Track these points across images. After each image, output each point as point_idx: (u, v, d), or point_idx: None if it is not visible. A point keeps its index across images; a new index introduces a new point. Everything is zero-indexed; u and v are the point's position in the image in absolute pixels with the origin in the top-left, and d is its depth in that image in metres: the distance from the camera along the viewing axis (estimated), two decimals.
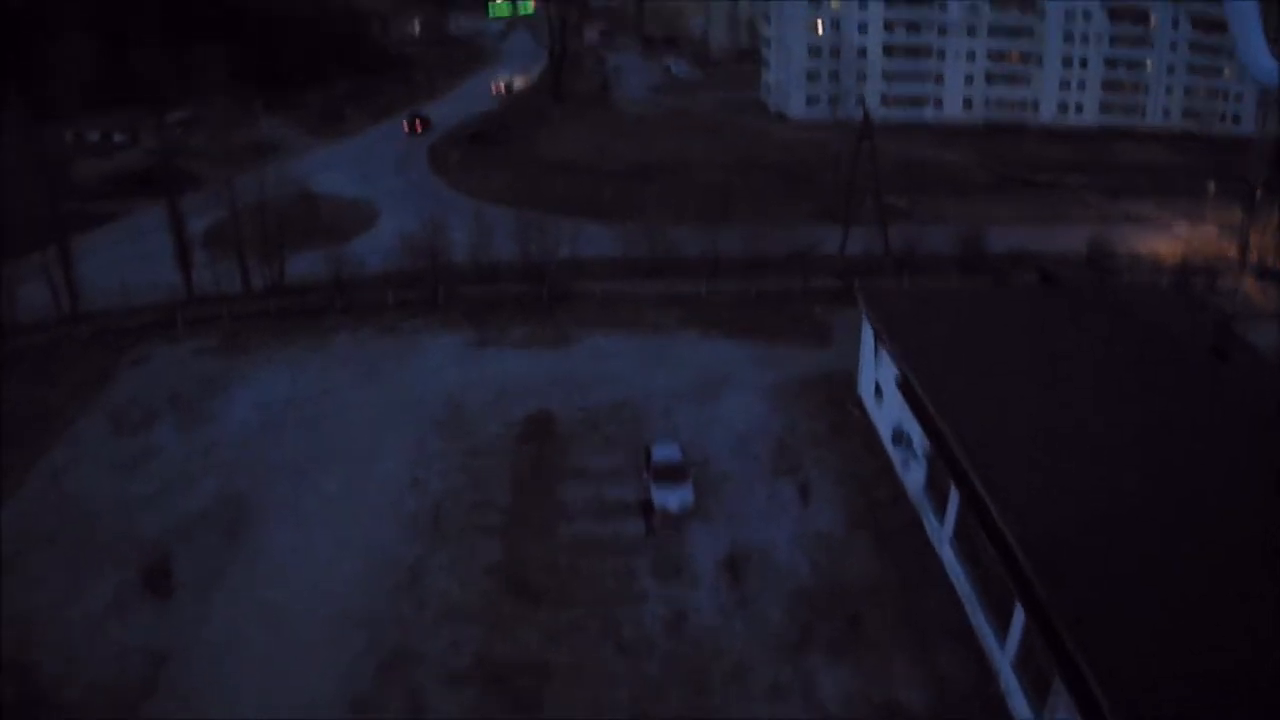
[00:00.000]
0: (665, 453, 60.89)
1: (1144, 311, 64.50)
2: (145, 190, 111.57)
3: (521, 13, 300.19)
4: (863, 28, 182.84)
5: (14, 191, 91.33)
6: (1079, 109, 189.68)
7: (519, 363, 79.57)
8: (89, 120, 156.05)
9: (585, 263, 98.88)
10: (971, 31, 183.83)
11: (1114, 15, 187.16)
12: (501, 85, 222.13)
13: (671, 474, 59.11)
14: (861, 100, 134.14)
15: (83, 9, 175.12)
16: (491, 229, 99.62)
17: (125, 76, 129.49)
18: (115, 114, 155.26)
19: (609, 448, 65.62)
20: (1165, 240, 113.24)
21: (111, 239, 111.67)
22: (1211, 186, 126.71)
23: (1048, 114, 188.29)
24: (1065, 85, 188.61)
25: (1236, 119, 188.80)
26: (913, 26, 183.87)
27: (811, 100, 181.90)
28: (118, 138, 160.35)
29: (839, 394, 72.42)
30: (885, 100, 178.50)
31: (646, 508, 57.00)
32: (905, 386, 58.14)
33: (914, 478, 57.80)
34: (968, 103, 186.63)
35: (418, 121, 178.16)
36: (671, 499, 57.64)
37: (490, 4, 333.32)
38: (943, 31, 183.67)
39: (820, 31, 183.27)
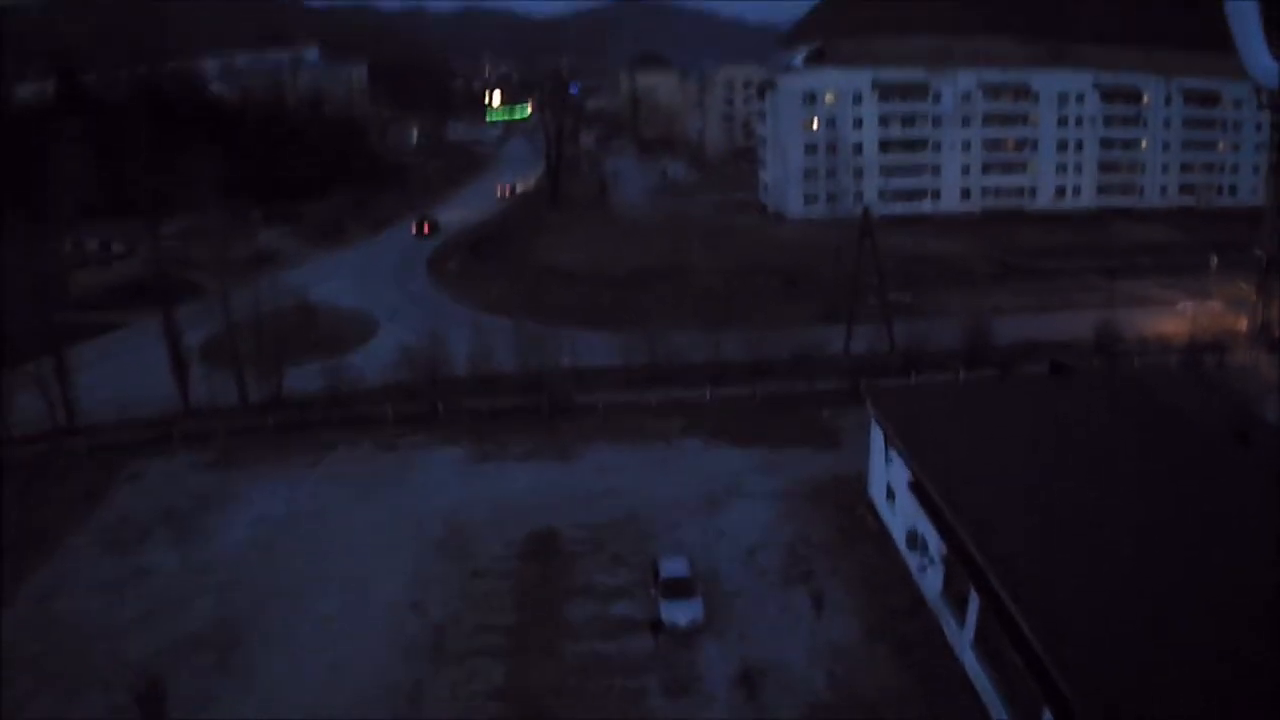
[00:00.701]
0: (673, 568, 59.01)
1: (1160, 397, 62.97)
2: (143, 301, 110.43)
3: (518, 117, 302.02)
4: (858, 123, 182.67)
5: (11, 302, 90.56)
6: (1076, 192, 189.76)
7: (521, 478, 77.76)
8: (89, 229, 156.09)
9: (586, 372, 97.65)
10: (966, 122, 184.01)
11: (1107, 96, 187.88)
12: (507, 189, 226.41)
13: (680, 589, 57.17)
14: (860, 196, 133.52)
15: (83, 120, 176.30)
16: (491, 340, 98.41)
17: (124, 187, 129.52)
18: (115, 224, 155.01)
19: (615, 564, 63.57)
20: (1171, 319, 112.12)
21: (109, 350, 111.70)
22: (1214, 260, 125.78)
23: (1045, 199, 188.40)
24: (1062, 169, 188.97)
25: (1233, 190, 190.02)
26: (908, 120, 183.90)
27: (809, 199, 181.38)
28: (116, 247, 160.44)
29: (849, 498, 70.54)
30: (883, 195, 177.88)
31: (655, 625, 55.06)
32: (918, 488, 56.32)
33: (931, 582, 55.68)
34: (965, 193, 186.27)
35: (425, 224, 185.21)
36: (681, 615, 55.61)
37: (487, 110, 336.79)
38: (938, 123, 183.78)
39: (816, 129, 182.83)
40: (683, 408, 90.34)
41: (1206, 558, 44.90)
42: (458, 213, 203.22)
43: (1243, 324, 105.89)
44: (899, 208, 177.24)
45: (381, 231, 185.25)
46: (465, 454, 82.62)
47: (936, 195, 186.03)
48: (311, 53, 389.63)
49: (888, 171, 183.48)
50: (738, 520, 68.63)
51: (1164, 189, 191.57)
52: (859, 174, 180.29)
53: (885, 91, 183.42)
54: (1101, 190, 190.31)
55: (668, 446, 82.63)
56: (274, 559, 66.15)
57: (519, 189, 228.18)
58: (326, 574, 63.71)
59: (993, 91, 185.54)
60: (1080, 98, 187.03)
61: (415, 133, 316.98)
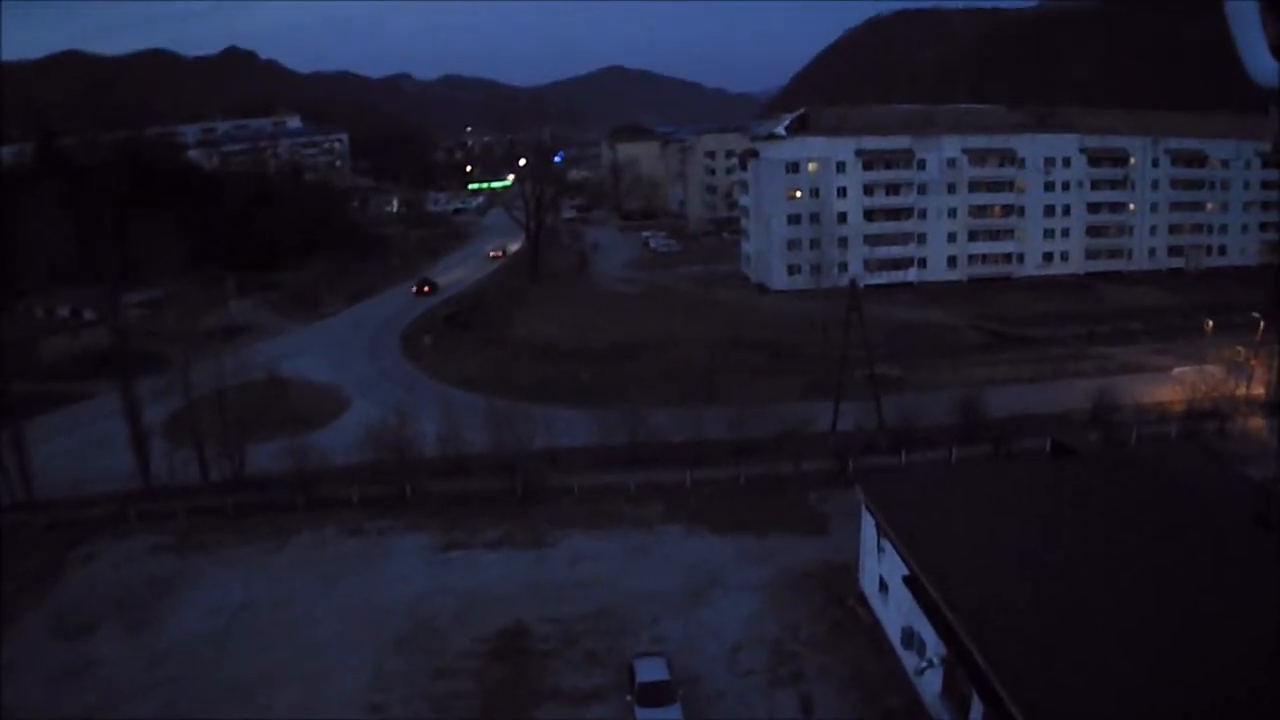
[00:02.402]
0: (650, 670, 54.97)
1: (1171, 478, 58.98)
2: (111, 371, 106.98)
3: (500, 187, 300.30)
4: (842, 192, 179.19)
5: None
6: (1064, 257, 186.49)
7: (490, 568, 73.81)
8: (62, 296, 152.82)
9: (562, 453, 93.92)
10: (952, 188, 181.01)
11: (1093, 159, 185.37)
12: (500, 252, 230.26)
13: (658, 694, 53.25)
14: (844, 266, 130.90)
15: (59, 184, 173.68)
16: (464, 418, 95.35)
17: (97, 252, 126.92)
18: (89, 290, 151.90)
19: (589, 664, 59.57)
20: (1167, 386, 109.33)
21: (72, 421, 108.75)
22: (1209, 324, 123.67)
23: (1032, 265, 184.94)
24: (1049, 234, 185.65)
25: (1223, 251, 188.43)
26: (892, 188, 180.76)
27: (793, 270, 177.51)
28: (87, 315, 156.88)
29: (839, 589, 66.55)
30: (868, 264, 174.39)
31: None
32: (914, 584, 52.38)
33: (929, 684, 51.66)
34: (951, 260, 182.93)
35: (426, 286, 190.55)
36: None
37: (469, 180, 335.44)
38: (923, 190, 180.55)
39: (799, 198, 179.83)
40: (663, 491, 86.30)
41: (1230, 659, 41.11)
42: (444, 277, 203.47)
43: (1241, 389, 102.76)
44: (884, 277, 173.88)
45: (357, 303, 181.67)
46: (433, 541, 78.68)
47: (922, 263, 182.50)
48: (293, 121, 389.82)
49: (872, 240, 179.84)
50: (721, 614, 64.59)
51: (1153, 251, 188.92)
52: (843, 244, 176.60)
53: (869, 160, 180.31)
54: (1089, 254, 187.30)
55: (647, 533, 78.51)
56: (228, 652, 62.71)
57: (510, 250, 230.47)
58: (282, 670, 60.16)
59: (978, 157, 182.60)
60: (1066, 162, 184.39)
61: (395, 202, 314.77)
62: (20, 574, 73.16)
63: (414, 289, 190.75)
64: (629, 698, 53.97)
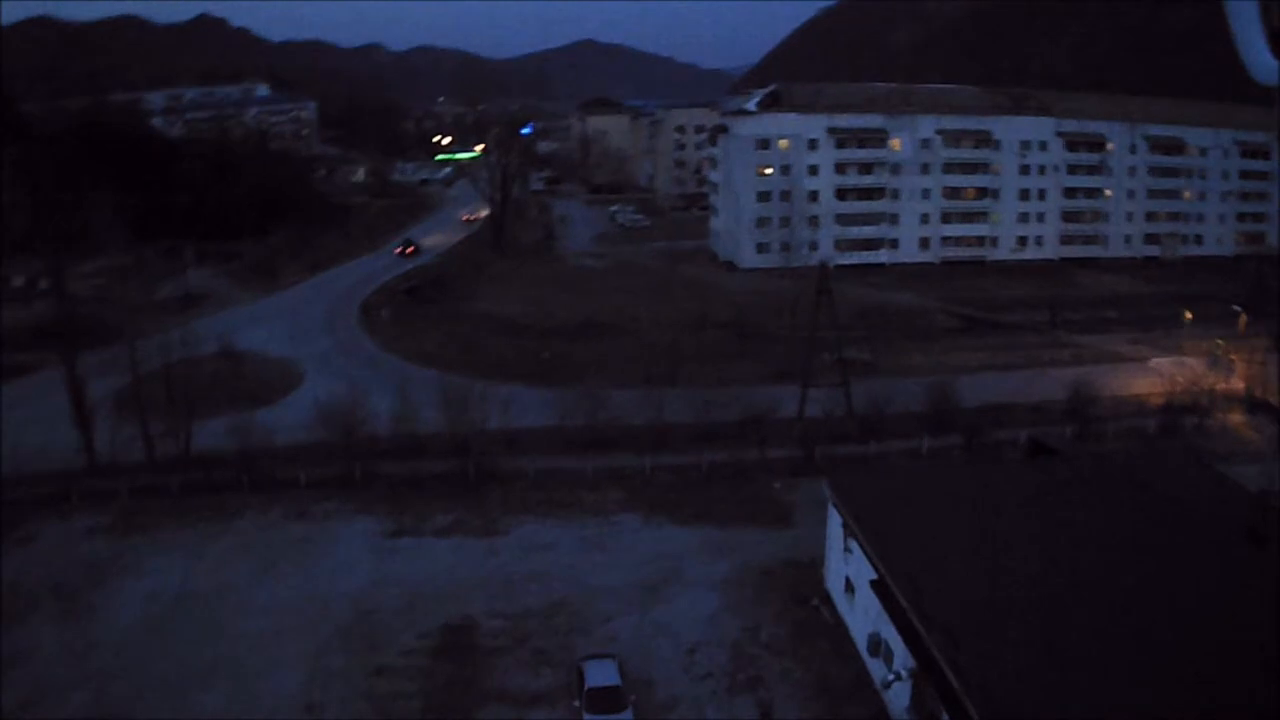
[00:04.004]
0: (600, 674, 51.95)
1: (1157, 482, 56.23)
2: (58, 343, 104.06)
3: (468, 158, 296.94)
4: (813, 170, 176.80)
5: None
6: (1039, 242, 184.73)
7: (439, 556, 70.53)
8: (18, 265, 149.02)
9: (519, 434, 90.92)
10: (925, 169, 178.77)
11: (1070, 144, 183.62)
12: (474, 216, 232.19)
13: (607, 700, 50.24)
14: (815, 246, 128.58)
15: (16, 150, 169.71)
16: (419, 395, 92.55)
17: (48, 221, 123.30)
18: (43, 260, 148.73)
19: (537, 663, 56.53)
20: (1144, 378, 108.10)
21: (17, 395, 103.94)
22: (1188, 315, 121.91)
23: (1006, 249, 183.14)
24: (1024, 218, 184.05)
25: (1199, 240, 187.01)
26: (865, 167, 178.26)
27: (762, 248, 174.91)
28: (42, 285, 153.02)
29: (803, 587, 63.59)
30: (839, 244, 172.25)
31: None
32: (882, 589, 49.40)
33: (897, 696, 48.66)
34: (924, 242, 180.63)
35: (409, 248, 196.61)
36: None
37: (438, 151, 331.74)
38: (896, 171, 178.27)
39: (769, 175, 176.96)
40: (621, 477, 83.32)
41: (1215, 677, 38.87)
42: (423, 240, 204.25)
43: (1221, 383, 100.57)
44: (855, 257, 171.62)
45: (317, 273, 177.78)
46: (381, 526, 75.36)
47: (895, 244, 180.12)
48: (261, 89, 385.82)
49: (844, 220, 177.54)
50: (678, 612, 61.61)
51: (1129, 238, 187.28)
52: (814, 222, 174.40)
53: (842, 138, 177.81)
54: (1064, 240, 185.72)
55: (603, 522, 75.28)
56: (162, 644, 59.41)
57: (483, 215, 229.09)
58: (217, 664, 57.04)
59: (953, 138, 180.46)
60: (1043, 145, 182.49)
61: (361, 172, 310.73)
62: None
63: (397, 249, 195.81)
64: (577, 703, 51.07)
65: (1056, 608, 43.90)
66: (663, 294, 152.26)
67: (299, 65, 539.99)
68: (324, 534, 74.48)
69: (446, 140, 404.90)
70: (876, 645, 51.05)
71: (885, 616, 48.79)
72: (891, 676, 48.61)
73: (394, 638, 59.61)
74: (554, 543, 71.99)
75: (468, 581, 66.17)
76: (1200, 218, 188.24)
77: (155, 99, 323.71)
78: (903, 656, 47.16)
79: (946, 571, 47.86)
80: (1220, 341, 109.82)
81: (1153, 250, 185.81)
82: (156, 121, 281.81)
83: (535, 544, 71.89)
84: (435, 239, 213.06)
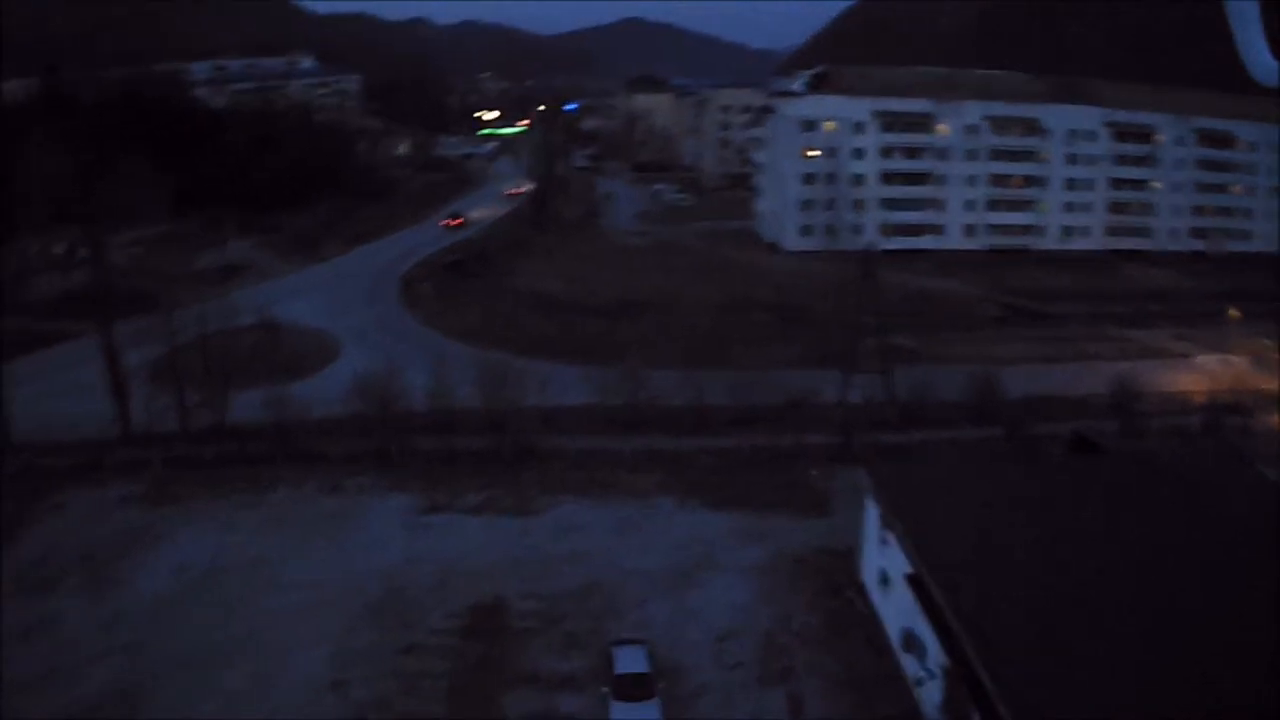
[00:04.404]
0: (629, 661, 51.50)
1: (1204, 484, 54.80)
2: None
3: (513, 134, 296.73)
4: (859, 154, 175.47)
5: None
6: (1084, 233, 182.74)
7: (472, 535, 70.18)
8: (61, 233, 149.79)
9: (557, 412, 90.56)
10: (972, 156, 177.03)
11: (1118, 134, 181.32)
12: (518, 190, 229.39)
13: (636, 687, 49.80)
14: (859, 230, 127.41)
15: (61, 120, 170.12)
16: (458, 371, 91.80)
17: (94, 191, 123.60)
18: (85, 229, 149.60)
19: (567, 646, 56.06)
20: (1188, 374, 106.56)
21: (57, 362, 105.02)
22: (1234, 313, 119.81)
23: (1052, 239, 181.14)
24: (1070, 208, 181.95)
25: (1246, 236, 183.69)
26: (912, 151, 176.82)
27: (806, 230, 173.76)
28: (82, 253, 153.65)
29: (838, 576, 62.87)
30: (884, 229, 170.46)
31: None
32: (917, 584, 48.53)
33: (929, 694, 47.81)
34: (969, 229, 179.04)
35: (456, 219, 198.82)
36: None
37: (482, 126, 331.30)
38: (942, 156, 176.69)
39: (814, 158, 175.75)
40: (659, 459, 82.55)
41: (1260, 687, 37.93)
42: (438, 233, 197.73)
43: (1267, 383, 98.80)
44: (900, 242, 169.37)
45: (358, 246, 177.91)
46: (414, 502, 75.06)
47: (939, 231, 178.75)
48: (307, 62, 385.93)
49: (889, 205, 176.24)
50: (711, 598, 60.97)
51: (1174, 232, 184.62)
52: (859, 206, 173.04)
53: (888, 122, 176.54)
54: (1110, 232, 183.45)
55: (639, 505, 74.57)
56: (189, 617, 59.25)
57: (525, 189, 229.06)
58: (243, 639, 56.86)
59: (1000, 125, 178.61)
60: (1091, 135, 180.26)
61: (405, 146, 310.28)
62: None
63: (445, 221, 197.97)
64: (605, 689, 50.55)
65: (1096, 610, 43.05)
66: (705, 274, 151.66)
67: (344, 38, 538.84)
68: (357, 509, 74.28)
69: (491, 116, 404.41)
70: (910, 641, 50.27)
71: (920, 612, 48.00)
72: (924, 674, 47.88)
73: (424, 616, 59.32)
74: (589, 524, 71.49)
75: (500, 561, 65.75)
76: (1248, 213, 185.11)
77: (199, 70, 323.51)
78: (936, 654, 46.36)
79: (984, 568, 46.91)
80: (1267, 341, 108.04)
81: (1199, 245, 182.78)
82: (200, 92, 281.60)
83: (570, 524, 71.45)
84: (480, 212, 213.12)
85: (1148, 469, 59.26)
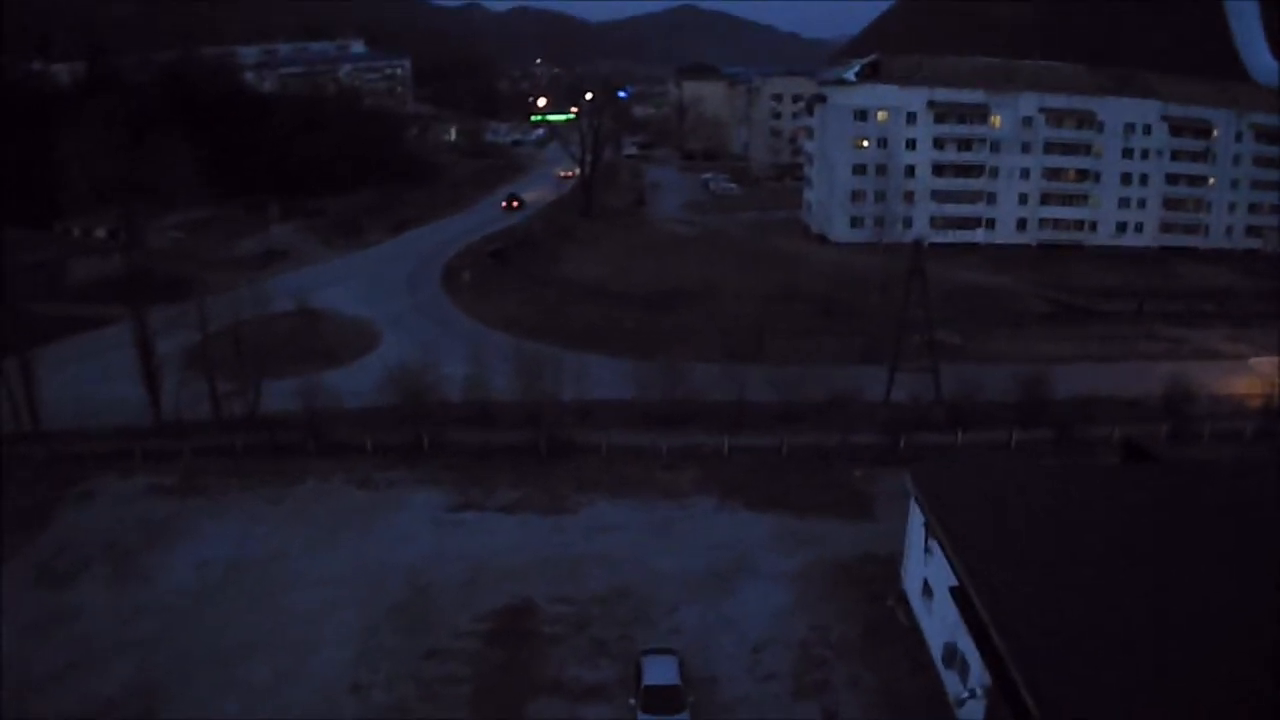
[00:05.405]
0: (659, 672, 49.51)
1: (1260, 500, 51.92)
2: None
3: (563, 120, 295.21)
4: (911, 144, 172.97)
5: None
6: (1138, 228, 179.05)
7: (503, 533, 68.64)
8: (103, 217, 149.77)
9: (593, 407, 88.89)
10: (1026, 148, 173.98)
11: (1175, 129, 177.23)
12: (571, 173, 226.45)
13: (665, 700, 47.87)
14: (909, 222, 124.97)
15: (107, 103, 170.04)
16: (496, 362, 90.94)
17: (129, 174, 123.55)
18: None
19: (595, 653, 54.43)
20: (1243, 377, 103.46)
21: (92, 347, 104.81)
22: None
23: (1105, 234, 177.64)
24: (1124, 203, 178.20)
25: None
26: (964, 143, 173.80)
27: (855, 222, 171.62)
28: (124, 237, 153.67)
29: (879, 585, 60.82)
30: (934, 221, 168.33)
31: None
32: (962, 597, 46.22)
33: (970, 712, 45.59)
34: (1021, 223, 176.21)
35: (514, 201, 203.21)
36: None
37: (532, 112, 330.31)
38: (996, 148, 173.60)
39: (865, 148, 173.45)
40: (698, 457, 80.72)
41: None
42: (483, 217, 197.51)
43: None
44: (950, 235, 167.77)
45: (401, 233, 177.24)
46: (445, 498, 73.67)
47: (991, 224, 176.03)
48: (357, 46, 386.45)
49: (940, 197, 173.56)
50: (746, 605, 59.05)
51: (1230, 229, 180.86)
52: (909, 198, 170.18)
53: (941, 112, 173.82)
54: (1164, 228, 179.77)
55: (676, 505, 72.79)
56: (212, 612, 58.56)
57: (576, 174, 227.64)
58: (265, 637, 55.93)
59: (1055, 118, 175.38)
60: (1147, 129, 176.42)
61: (454, 132, 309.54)
62: (15, 511, 69.71)
63: (503, 204, 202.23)
64: (633, 700, 48.71)
65: (1148, 632, 40.67)
66: (751, 265, 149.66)
67: (396, 22, 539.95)
68: (386, 504, 73.15)
69: (542, 102, 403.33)
70: (952, 656, 48.19)
71: (963, 627, 45.74)
72: (966, 694, 45.66)
73: (449, 618, 57.99)
74: (623, 524, 69.84)
75: (529, 562, 64.23)
76: None
77: (249, 53, 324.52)
78: (979, 672, 44.15)
79: (1032, 583, 44.57)
80: None
81: (1254, 243, 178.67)
82: (249, 76, 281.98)
83: (604, 524, 69.88)
84: (532, 195, 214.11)
85: (1203, 481, 56.74)
